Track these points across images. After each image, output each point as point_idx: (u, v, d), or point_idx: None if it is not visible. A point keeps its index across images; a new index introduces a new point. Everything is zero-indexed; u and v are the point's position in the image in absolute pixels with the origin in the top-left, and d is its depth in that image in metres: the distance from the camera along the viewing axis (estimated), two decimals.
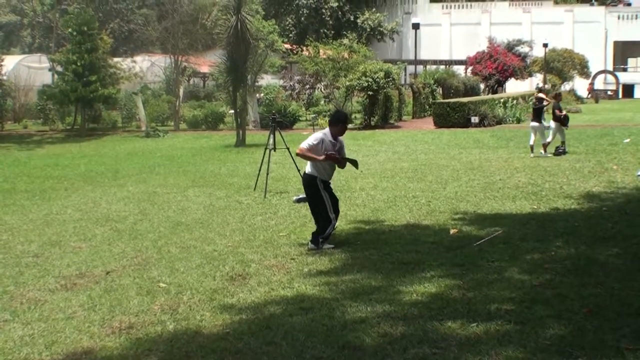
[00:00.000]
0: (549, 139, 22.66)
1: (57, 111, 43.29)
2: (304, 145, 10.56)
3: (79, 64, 37.88)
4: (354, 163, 11.03)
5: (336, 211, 10.85)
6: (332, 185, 11.14)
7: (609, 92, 76.18)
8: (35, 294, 8.72)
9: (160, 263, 10.09)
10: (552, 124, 22.75)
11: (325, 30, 58.00)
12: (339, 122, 10.80)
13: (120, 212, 14.44)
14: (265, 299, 8.20)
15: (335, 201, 10.91)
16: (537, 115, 22.58)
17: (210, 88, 54.51)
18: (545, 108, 23.13)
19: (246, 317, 7.55)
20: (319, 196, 10.71)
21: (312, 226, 12.01)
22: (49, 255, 10.83)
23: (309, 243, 10.82)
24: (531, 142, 22.60)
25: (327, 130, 10.76)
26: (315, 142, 10.52)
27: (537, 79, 65.19)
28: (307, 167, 10.84)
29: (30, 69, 48.78)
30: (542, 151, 22.32)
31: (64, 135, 39.01)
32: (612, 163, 19.91)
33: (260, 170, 16.75)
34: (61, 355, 6.68)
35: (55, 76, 42.58)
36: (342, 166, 10.99)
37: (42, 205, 15.70)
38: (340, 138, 10.81)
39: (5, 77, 42.80)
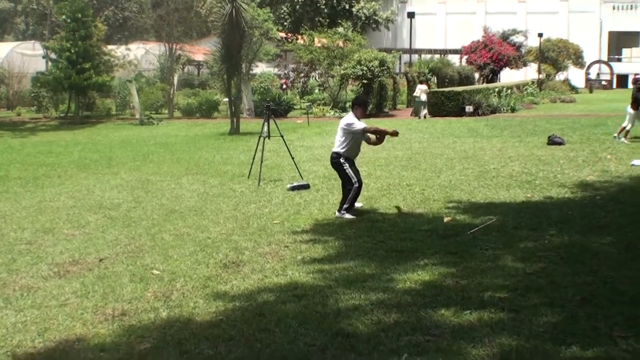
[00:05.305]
0: (629, 126, 22.73)
1: (51, 99, 43.25)
2: (364, 126, 12.16)
3: (72, 51, 37.76)
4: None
5: (359, 181, 12.14)
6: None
7: (603, 82, 76.32)
8: (28, 281, 8.68)
9: (153, 250, 10.07)
10: (630, 110, 22.79)
11: (320, 19, 57.72)
12: (355, 105, 12.46)
13: (114, 200, 14.40)
14: (258, 286, 8.18)
15: (359, 174, 12.30)
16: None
17: (204, 76, 54.51)
18: None
19: (239, 305, 7.54)
20: (342, 169, 12.15)
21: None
22: (42, 242, 10.80)
23: (336, 212, 12.19)
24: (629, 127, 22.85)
25: (351, 114, 12.28)
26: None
27: (532, 69, 65.19)
28: (335, 147, 12.26)
29: (23, 56, 48.63)
30: (619, 136, 22.60)
31: (58, 123, 38.92)
32: (606, 152, 19.94)
33: (254, 158, 16.73)
34: (54, 342, 6.66)
35: (49, 63, 42.42)
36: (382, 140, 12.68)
37: (35, 193, 15.65)
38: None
39: None
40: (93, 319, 7.23)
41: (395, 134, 12.23)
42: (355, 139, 12.14)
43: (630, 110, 22.63)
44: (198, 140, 27.53)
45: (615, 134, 22.98)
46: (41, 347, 6.57)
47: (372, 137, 12.50)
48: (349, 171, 12.08)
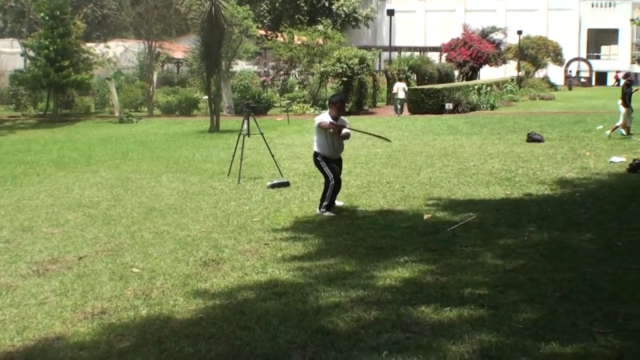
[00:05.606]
0: (619, 122, 23.11)
1: (30, 97, 42.90)
2: (320, 121, 12.10)
3: (51, 49, 37.52)
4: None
5: (337, 179, 12.11)
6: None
7: (582, 80, 76.77)
8: (7, 279, 8.62)
9: (133, 248, 10.02)
10: (622, 108, 23.02)
11: (300, 16, 57.93)
12: (330, 103, 12.53)
13: (93, 198, 14.33)
14: (238, 284, 8.16)
15: (336, 172, 12.22)
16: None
17: (184, 74, 54.28)
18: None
19: (219, 302, 7.52)
20: (320, 167, 12.26)
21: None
22: (21, 241, 10.72)
23: (316, 210, 12.23)
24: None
25: (326, 112, 12.39)
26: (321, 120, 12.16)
27: (511, 66, 65.47)
28: (314, 146, 12.38)
29: (1, 54, 48.28)
30: (609, 132, 22.98)
31: (37, 121, 38.63)
32: (585, 149, 20.06)
33: (234, 155, 16.69)
34: (33, 341, 6.62)
35: (28, 61, 42.14)
36: (346, 137, 12.32)
37: (14, 191, 15.54)
38: (342, 117, 12.30)
39: None
40: (72, 318, 7.19)
41: (339, 126, 12.04)
42: (326, 137, 12.05)
43: (622, 108, 22.84)
44: (178, 138, 27.45)
45: (623, 132, 23.09)
46: (20, 346, 6.52)
47: (345, 131, 12.19)
48: (326, 168, 12.14)
